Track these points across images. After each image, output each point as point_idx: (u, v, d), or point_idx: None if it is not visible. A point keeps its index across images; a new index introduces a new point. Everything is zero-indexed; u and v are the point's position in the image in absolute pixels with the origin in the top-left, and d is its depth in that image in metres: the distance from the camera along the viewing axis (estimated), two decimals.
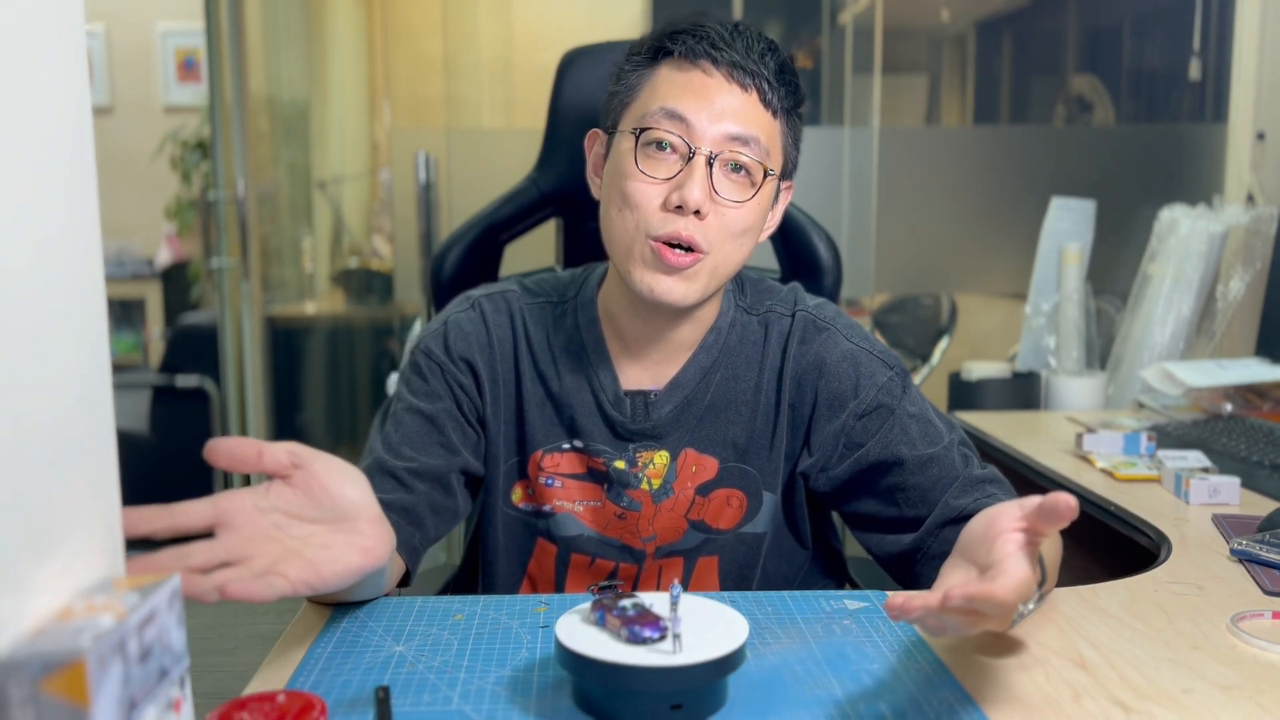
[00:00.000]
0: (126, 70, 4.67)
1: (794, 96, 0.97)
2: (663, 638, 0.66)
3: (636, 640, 0.66)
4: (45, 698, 0.48)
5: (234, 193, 3.24)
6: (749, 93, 0.93)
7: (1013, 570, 0.64)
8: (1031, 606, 0.79)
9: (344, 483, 0.73)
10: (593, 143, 1.02)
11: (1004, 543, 0.67)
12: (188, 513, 0.66)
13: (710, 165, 0.91)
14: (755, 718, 0.67)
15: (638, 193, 0.92)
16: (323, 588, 0.69)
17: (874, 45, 2.70)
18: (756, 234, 0.97)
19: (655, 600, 0.71)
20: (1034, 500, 0.69)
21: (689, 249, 0.92)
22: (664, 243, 0.91)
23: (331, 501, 0.72)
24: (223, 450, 0.68)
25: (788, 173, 1.00)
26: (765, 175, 0.94)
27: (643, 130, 0.93)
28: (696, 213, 0.91)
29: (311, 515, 0.71)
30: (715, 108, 0.92)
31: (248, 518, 0.69)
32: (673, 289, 0.93)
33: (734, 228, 0.93)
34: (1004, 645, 0.79)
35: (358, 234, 3.74)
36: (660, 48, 0.95)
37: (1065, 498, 0.64)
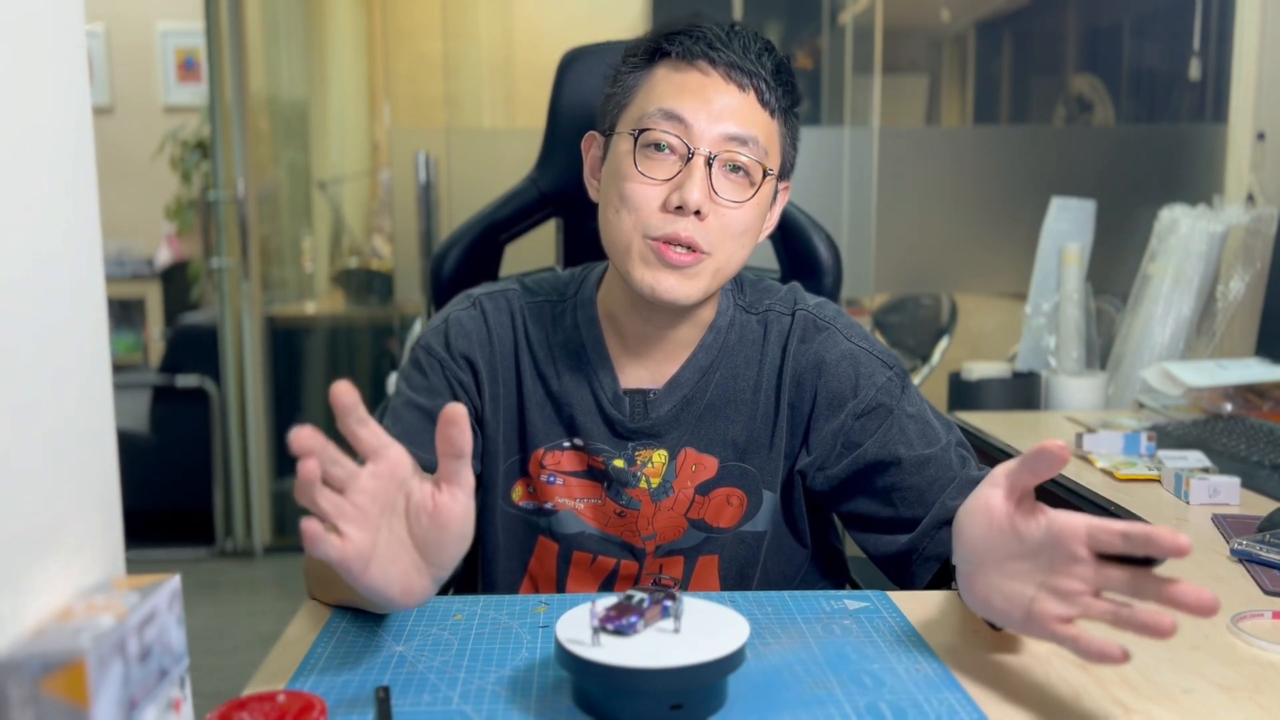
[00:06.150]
0: (126, 70, 4.67)
1: (791, 96, 0.97)
2: (622, 633, 0.67)
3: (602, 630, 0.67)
4: (45, 698, 0.48)
5: (234, 193, 3.24)
6: (746, 93, 0.93)
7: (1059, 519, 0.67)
8: None
9: (462, 540, 0.71)
10: (590, 145, 1.02)
11: (1023, 522, 0.70)
12: (374, 433, 0.67)
13: (709, 166, 0.92)
14: (755, 718, 0.67)
15: (637, 194, 0.93)
16: (355, 581, 0.68)
17: (874, 45, 2.70)
18: (756, 234, 0.97)
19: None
20: (1008, 467, 0.71)
21: (689, 249, 0.92)
22: (663, 242, 0.92)
23: (438, 542, 0.69)
24: (450, 416, 0.66)
25: (785, 173, 1.01)
26: (764, 175, 0.94)
27: (641, 131, 0.93)
28: (697, 213, 0.91)
29: (417, 529, 0.69)
30: (714, 108, 0.92)
31: (392, 476, 0.68)
32: (675, 288, 0.93)
33: (734, 228, 0.93)
34: (1004, 645, 0.79)
35: (358, 234, 3.74)
36: (657, 49, 0.95)
37: (1052, 444, 0.67)
